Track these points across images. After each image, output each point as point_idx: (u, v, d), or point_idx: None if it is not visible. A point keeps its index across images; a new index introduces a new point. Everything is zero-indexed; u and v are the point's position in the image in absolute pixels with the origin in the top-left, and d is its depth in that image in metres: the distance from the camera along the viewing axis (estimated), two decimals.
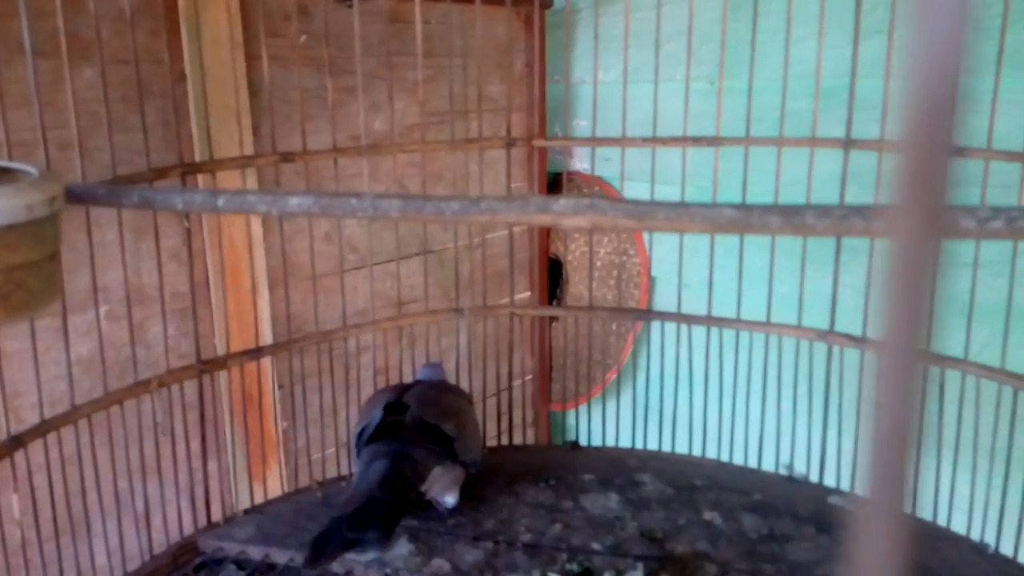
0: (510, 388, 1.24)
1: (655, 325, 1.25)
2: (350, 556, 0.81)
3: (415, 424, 0.92)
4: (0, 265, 0.53)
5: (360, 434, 0.93)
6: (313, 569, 0.82)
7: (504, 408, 1.23)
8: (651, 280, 1.71)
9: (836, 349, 1.08)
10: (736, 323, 1.15)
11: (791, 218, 0.39)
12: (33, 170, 0.57)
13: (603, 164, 1.72)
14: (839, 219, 0.39)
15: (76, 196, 0.59)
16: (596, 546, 0.95)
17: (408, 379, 1.18)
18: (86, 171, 0.82)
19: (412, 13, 1.40)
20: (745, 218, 0.40)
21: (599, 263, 1.76)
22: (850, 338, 1.06)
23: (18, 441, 0.78)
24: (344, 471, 1.17)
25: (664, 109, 1.16)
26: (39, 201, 0.54)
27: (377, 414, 0.93)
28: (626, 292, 1.73)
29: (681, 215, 0.41)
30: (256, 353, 1.06)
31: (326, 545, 0.74)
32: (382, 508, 0.78)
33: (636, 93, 1.25)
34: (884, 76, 1.01)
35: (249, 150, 1.25)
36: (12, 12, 0.74)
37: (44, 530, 0.84)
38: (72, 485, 0.86)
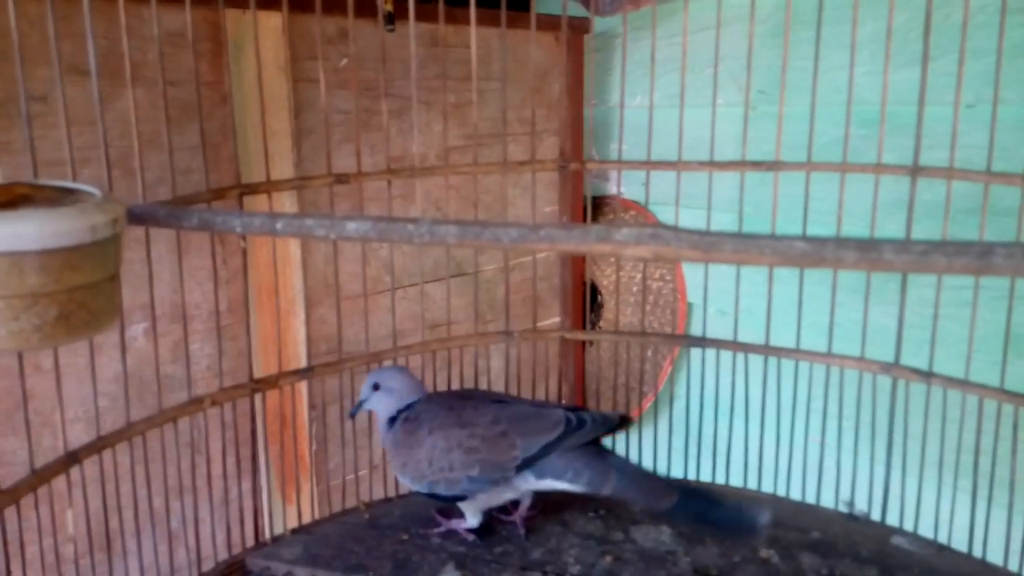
0: None
1: (695, 352, 1.22)
2: None
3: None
4: (63, 285, 0.54)
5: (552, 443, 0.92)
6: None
7: None
8: (688, 306, 1.68)
9: (901, 383, 1.04)
10: (795, 353, 1.11)
11: (867, 253, 0.37)
12: (96, 191, 0.58)
13: (634, 188, 1.73)
14: (919, 255, 0.37)
15: (137, 217, 0.60)
16: None
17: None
18: (131, 191, 0.83)
19: (451, 37, 1.42)
20: (818, 251, 0.38)
21: (635, 288, 1.74)
22: (916, 372, 1.02)
23: (74, 457, 0.79)
24: (377, 494, 1.14)
25: (697, 134, 1.14)
26: (102, 223, 0.55)
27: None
28: (662, 317, 1.71)
29: (750, 247, 0.39)
30: (307, 373, 1.07)
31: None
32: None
33: (666, 117, 1.24)
34: (954, 103, 0.98)
35: (292, 171, 1.26)
36: (59, 34, 0.76)
37: (86, 544, 0.84)
38: (112, 501, 0.87)
